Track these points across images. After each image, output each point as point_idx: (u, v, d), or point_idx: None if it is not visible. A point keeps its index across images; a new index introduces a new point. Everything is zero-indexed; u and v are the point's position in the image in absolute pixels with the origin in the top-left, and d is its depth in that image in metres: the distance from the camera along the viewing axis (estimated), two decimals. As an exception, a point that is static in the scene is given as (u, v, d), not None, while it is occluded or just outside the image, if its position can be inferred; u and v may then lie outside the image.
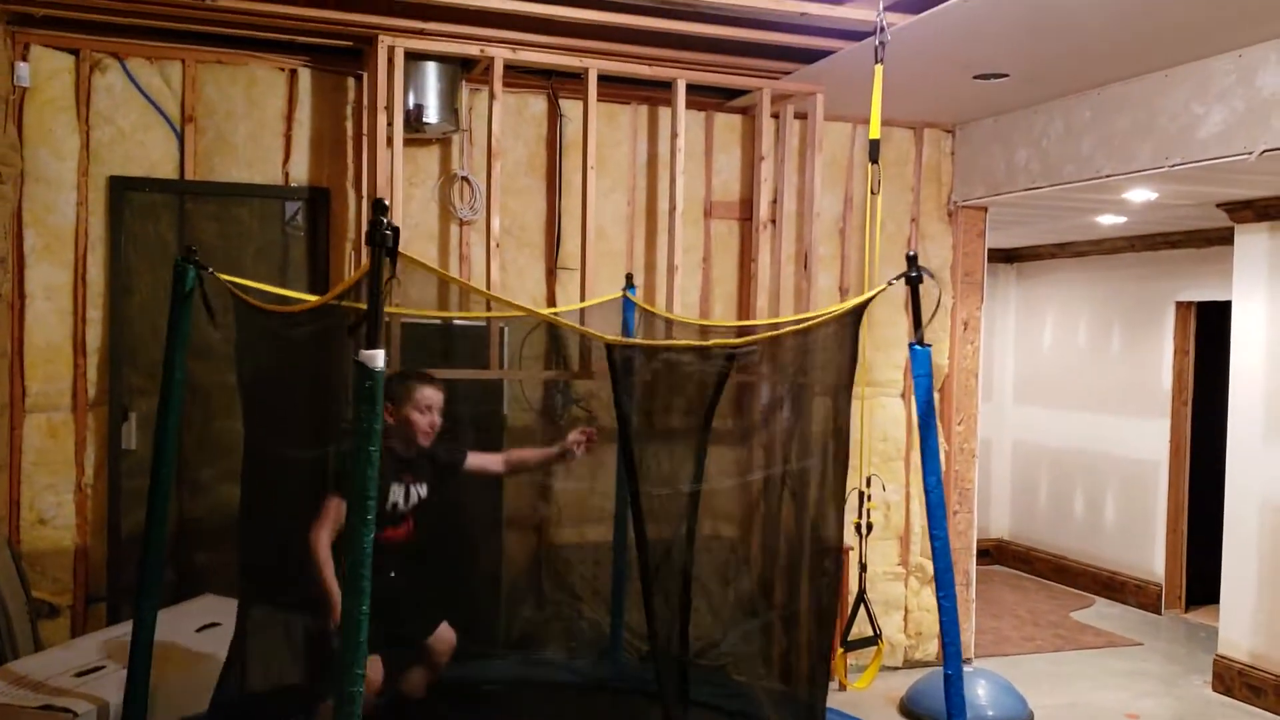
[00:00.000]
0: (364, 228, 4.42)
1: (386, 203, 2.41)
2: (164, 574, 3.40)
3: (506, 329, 4.57)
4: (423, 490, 3.44)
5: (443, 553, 3.58)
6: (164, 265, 4.37)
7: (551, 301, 4.79)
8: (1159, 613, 6.73)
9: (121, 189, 4.34)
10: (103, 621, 4.25)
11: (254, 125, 4.49)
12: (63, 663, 3.44)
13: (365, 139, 4.39)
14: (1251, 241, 5.28)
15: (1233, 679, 5.24)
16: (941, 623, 3.15)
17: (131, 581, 3.88)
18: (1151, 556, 6.85)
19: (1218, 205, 5.28)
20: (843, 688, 4.48)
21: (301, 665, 3.47)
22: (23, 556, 4.18)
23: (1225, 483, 5.40)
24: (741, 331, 4.63)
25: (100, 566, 4.32)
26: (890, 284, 3.17)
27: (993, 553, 8.08)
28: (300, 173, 4.57)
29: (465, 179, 4.65)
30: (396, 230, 2.35)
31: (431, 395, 3.35)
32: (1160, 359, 6.84)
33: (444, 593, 3.65)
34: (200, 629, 3.85)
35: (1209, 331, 6.64)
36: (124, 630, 3.50)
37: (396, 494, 3.33)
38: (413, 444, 3.36)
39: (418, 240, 4.59)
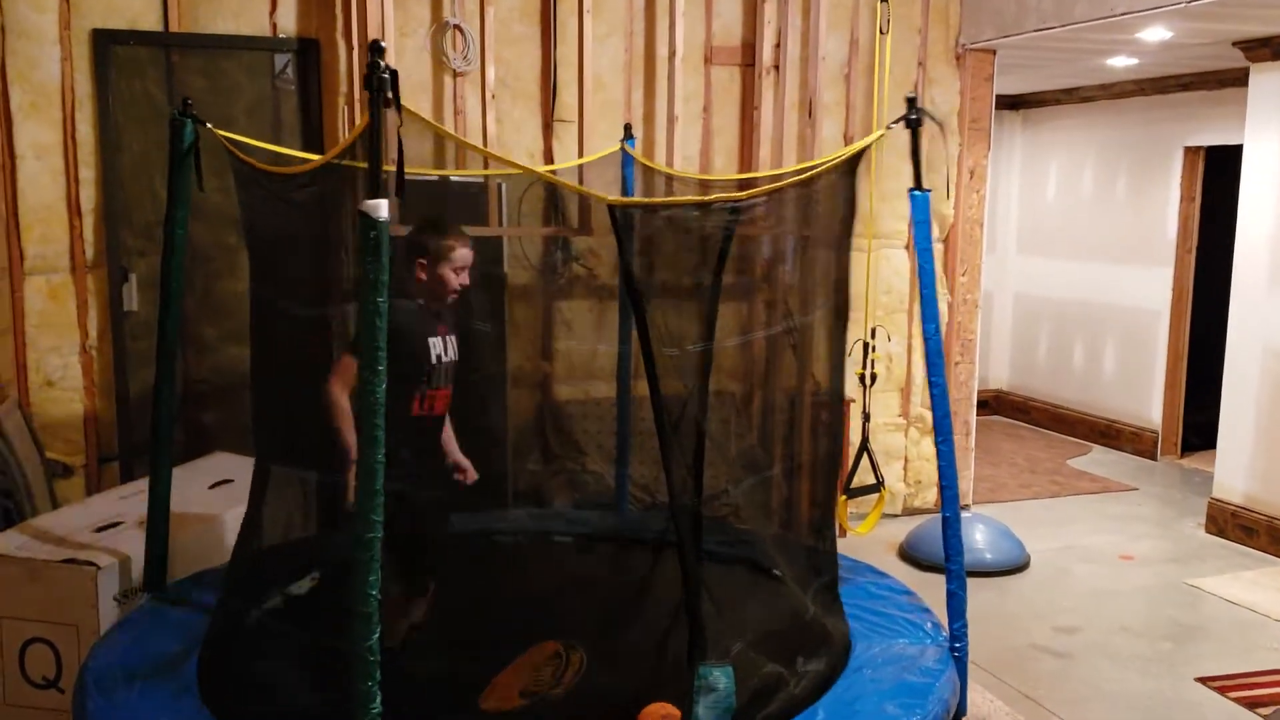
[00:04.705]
0: (355, 81, 4.31)
1: (383, 44, 2.30)
2: (174, 433, 3.43)
3: (505, 185, 4.49)
4: (454, 340, 3.34)
5: (458, 405, 3.54)
6: (153, 122, 4.28)
7: (549, 156, 4.70)
8: (1155, 459, 6.84)
9: (105, 42, 4.21)
10: (116, 480, 4.32)
11: (237, -28, 4.33)
12: (81, 519, 3.49)
13: (354, -15, 4.24)
14: (1267, 80, 5.14)
15: (1226, 521, 5.36)
16: (940, 467, 3.18)
17: (142, 440, 3.92)
18: (1149, 404, 6.92)
19: (1234, 44, 5.13)
20: (844, 534, 4.59)
21: (318, 519, 3.51)
22: (34, 418, 4.22)
23: (1226, 330, 5.41)
24: (743, 185, 4.55)
25: (110, 426, 4.37)
26: (889, 128, 3.09)
27: (991, 403, 8.18)
28: (288, 23, 4.42)
29: (458, 27, 4.50)
30: (395, 73, 2.26)
31: (467, 256, 3.23)
32: (1166, 207, 6.76)
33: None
34: (213, 485, 3.91)
35: (1216, 178, 6.55)
36: (138, 487, 3.54)
37: (437, 347, 3.24)
38: (440, 302, 3.28)
39: (411, 93, 4.46)
